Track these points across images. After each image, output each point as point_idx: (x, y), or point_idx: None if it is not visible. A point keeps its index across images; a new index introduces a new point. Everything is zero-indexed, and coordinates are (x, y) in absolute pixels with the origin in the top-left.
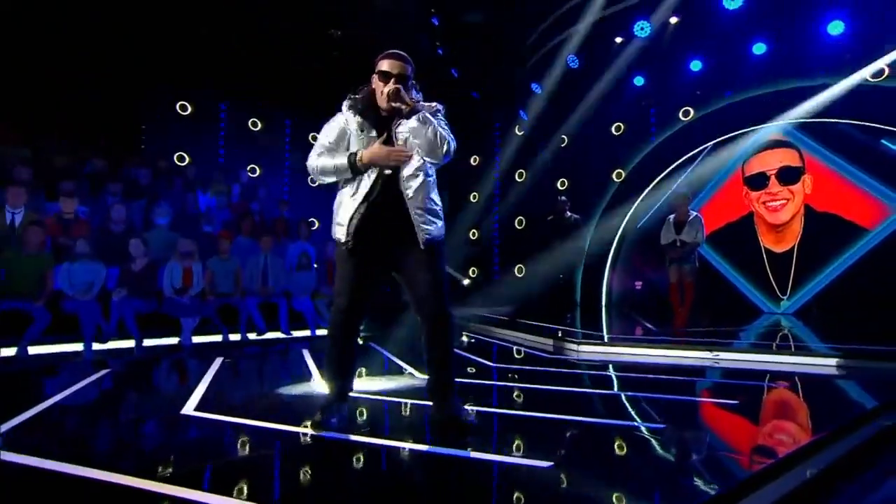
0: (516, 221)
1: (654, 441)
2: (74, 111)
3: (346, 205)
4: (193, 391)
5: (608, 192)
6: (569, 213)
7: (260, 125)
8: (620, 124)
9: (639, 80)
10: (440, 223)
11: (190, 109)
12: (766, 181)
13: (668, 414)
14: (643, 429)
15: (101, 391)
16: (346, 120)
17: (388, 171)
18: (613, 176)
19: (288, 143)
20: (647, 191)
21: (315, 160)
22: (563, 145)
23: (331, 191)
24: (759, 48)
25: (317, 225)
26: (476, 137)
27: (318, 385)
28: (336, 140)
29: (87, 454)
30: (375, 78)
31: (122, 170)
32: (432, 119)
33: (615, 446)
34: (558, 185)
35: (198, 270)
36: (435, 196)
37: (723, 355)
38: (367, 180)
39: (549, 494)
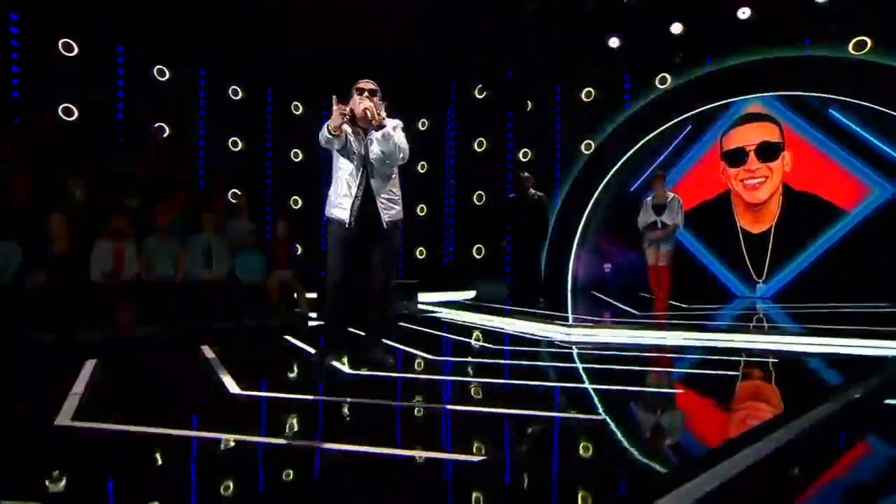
0: (475, 197)
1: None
2: None
3: (346, 194)
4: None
5: (576, 166)
6: (532, 191)
7: (168, 74)
8: (591, 90)
9: (613, 42)
10: (397, 209)
11: (76, 50)
12: (745, 157)
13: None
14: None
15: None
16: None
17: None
18: (582, 147)
19: (203, 99)
20: (618, 164)
21: (320, 135)
22: (527, 110)
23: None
24: (743, 13)
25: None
26: (426, 97)
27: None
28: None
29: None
30: (355, 95)
31: None
32: (393, 134)
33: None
34: (520, 156)
35: (131, 251)
36: (395, 189)
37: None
38: (357, 179)
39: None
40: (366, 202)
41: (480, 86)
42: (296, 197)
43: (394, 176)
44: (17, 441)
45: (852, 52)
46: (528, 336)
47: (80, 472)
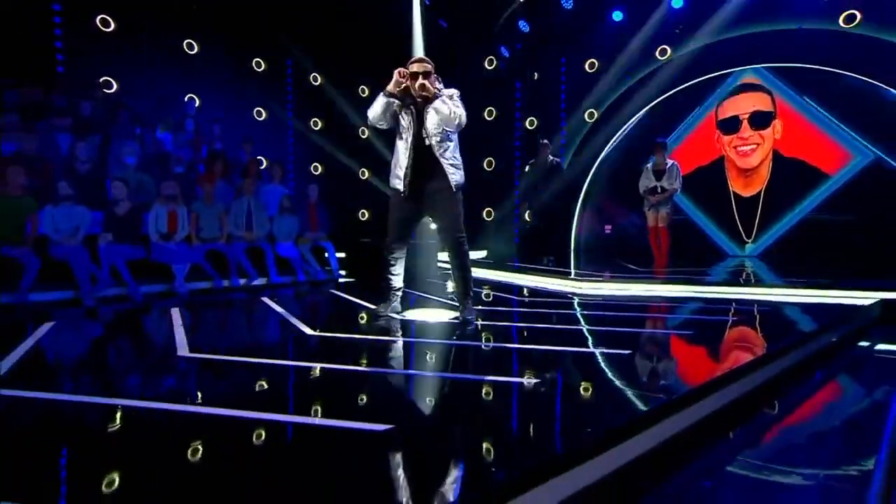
0: (485, 163)
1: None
2: None
3: (401, 166)
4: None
5: (579, 133)
6: (551, 157)
7: (196, 48)
8: (594, 61)
9: (617, 15)
10: (461, 172)
11: (113, 26)
12: (739, 125)
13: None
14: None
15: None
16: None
17: (426, 138)
18: (585, 116)
19: (227, 72)
20: (620, 132)
21: (369, 112)
22: (534, 78)
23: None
24: None
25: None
26: (437, 69)
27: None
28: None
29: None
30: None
31: (51, 98)
32: (448, 102)
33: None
34: (527, 124)
35: (182, 214)
36: (457, 154)
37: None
38: (409, 153)
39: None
40: (422, 172)
41: (491, 61)
42: (315, 164)
43: (454, 142)
44: (161, 368)
45: (842, 24)
46: (539, 289)
47: (222, 390)
